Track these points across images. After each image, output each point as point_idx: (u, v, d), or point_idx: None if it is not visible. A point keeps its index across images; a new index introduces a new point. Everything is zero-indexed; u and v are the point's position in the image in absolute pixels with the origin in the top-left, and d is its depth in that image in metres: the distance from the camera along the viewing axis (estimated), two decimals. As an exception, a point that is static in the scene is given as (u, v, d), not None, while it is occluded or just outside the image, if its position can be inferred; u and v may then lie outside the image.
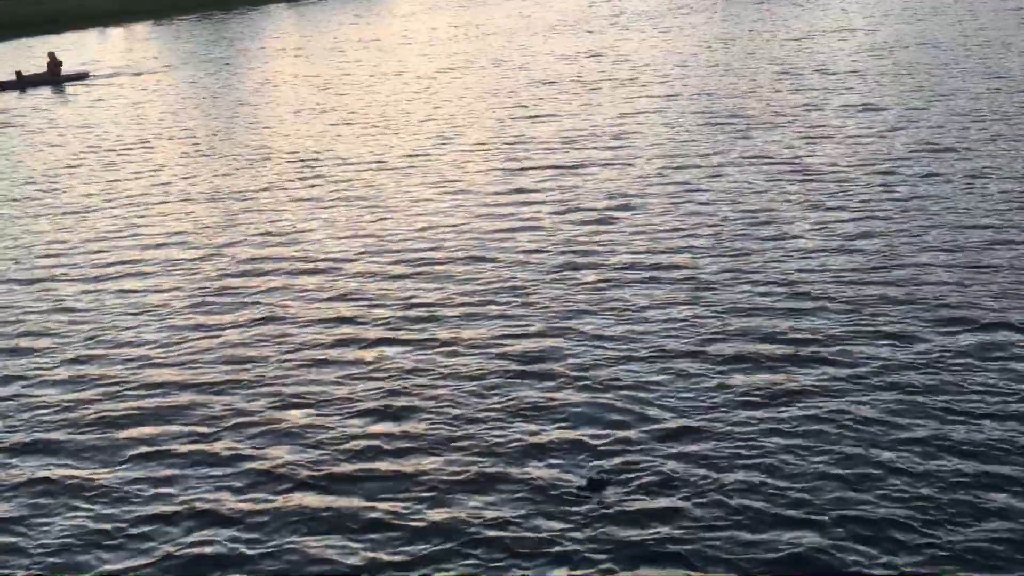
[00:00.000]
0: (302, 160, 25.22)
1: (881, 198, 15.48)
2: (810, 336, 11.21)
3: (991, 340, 10.57)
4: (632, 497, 8.57)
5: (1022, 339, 10.47)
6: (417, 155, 23.85)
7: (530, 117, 26.36)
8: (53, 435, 11.23)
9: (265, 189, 22.60)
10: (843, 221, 14.97)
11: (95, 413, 11.78)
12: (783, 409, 9.76)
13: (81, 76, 50.71)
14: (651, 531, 8.10)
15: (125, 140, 31.76)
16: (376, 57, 45.02)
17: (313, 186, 22.31)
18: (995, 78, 23.58)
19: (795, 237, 14.34)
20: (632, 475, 8.92)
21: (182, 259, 17.77)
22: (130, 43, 70.71)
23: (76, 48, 69.50)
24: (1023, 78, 23.38)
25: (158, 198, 23.08)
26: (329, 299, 14.86)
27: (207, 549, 8.64)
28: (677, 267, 13.95)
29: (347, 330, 13.50)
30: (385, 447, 10.23)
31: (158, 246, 18.90)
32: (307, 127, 29.57)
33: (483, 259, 15.56)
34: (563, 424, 10.05)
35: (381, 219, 18.94)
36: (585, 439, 9.64)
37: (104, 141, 32.16)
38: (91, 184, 25.67)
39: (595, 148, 21.80)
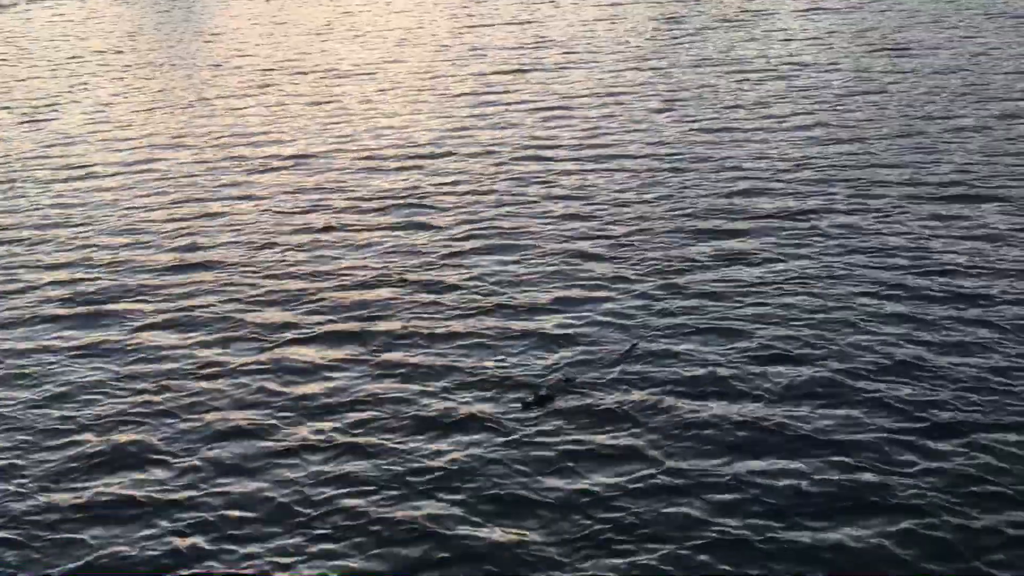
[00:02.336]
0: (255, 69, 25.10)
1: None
2: (746, 247, 11.65)
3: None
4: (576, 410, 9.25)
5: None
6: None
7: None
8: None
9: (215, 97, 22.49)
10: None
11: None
12: (730, 338, 10.25)
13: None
14: (590, 443, 8.74)
15: (80, 53, 31.19)
16: None
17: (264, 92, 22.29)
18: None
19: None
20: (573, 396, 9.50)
21: (142, 159, 17.71)
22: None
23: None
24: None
25: (116, 105, 22.86)
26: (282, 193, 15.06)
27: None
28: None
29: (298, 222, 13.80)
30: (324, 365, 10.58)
31: (117, 149, 18.86)
32: (262, 38, 29.38)
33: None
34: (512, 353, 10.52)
35: (339, 121, 19.08)
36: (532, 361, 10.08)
37: (58, 53, 31.54)
38: (45, 95, 25.26)
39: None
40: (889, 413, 9.42)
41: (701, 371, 10.27)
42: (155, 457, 9.43)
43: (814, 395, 9.78)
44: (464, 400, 9.98)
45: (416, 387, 10.33)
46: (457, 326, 11.60)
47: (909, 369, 10.16)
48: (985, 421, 9.21)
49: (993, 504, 8.12)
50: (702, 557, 7.67)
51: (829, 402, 9.67)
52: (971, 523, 7.90)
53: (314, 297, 12.81)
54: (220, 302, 12.77)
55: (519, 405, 9.60)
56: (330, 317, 12.19)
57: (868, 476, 8.52)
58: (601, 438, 9.23)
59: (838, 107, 20.32)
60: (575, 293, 12.37)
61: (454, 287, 12.76)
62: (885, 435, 9.06)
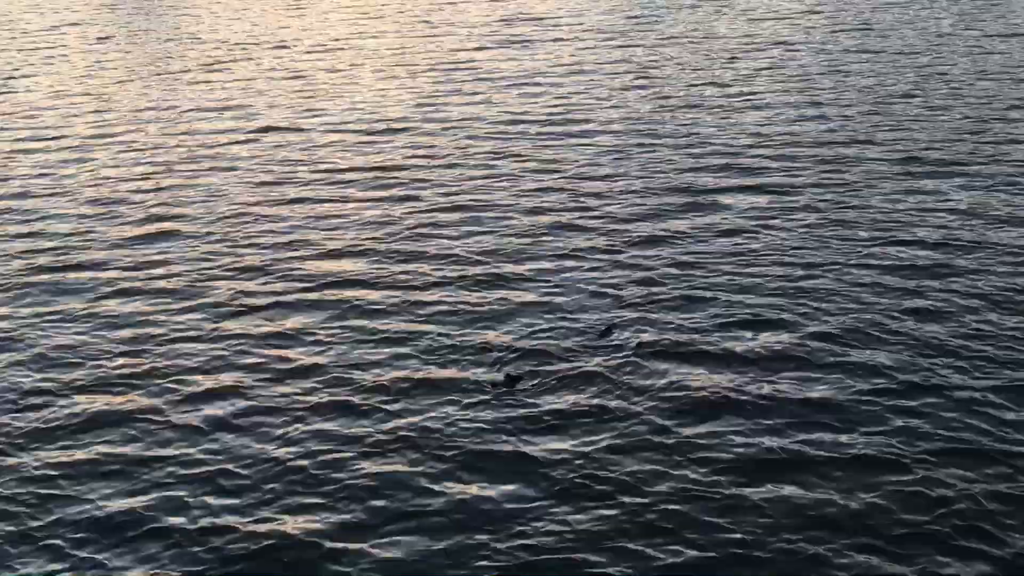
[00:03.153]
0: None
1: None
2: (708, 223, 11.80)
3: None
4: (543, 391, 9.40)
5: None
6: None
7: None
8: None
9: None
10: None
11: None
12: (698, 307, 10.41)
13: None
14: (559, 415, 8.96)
15: (55, 23, 30.90)
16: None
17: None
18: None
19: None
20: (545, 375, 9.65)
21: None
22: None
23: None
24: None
25: (86, 77, 22.69)
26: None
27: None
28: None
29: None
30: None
31: (87, 120, 18.75)
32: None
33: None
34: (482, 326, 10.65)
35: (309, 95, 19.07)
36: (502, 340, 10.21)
37: (29, 25, 31.21)
38: (16, 64, 25.02)
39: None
40: (856, 374, 9.60)
41: (675, 337, 10.40)
42: (136, 418, 9.46)
43: (786, 359, 9.94)
44: (436, 366, 10.05)
45: (388, 352, 10.39)
46: (430, 296, 11.67)
47: (876, 333, 10.36)
48: (952, 382, 9.42)
49: (967, 460, 8.30)
50: (672, 509, 7.80)
51: (799, 365, 9.83)
52: (946, 478, 8.07)
53: (286, 266, 12.84)
54: (189, 271, 12.76)
55: (488, 387, 9.60)
56: (303, 285, 12.22)
57: (831, 436, 8.69)
58: (571, 400, 9.34)
59: (808, 84, 20.52)
60: (547, 264, 12.47)
61: (427, 257, 12.83)
62: (855, 396, 9.23)
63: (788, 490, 7.98)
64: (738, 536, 7.49)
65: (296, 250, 13.28)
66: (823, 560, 7.23)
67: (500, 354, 10.21)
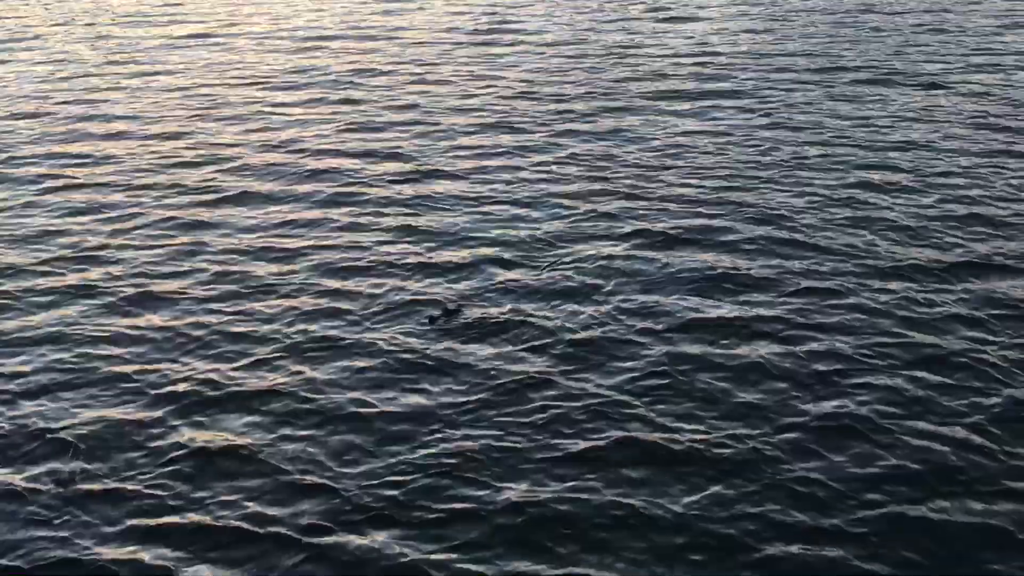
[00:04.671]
0: None
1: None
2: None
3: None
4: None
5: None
6: None
7: None
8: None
9: None
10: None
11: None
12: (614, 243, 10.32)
13: None
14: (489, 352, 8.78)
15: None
16: None
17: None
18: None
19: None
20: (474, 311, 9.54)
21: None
22: None
23: None
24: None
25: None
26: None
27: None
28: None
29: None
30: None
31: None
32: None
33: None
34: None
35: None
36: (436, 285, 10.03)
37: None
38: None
39: None
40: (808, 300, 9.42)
41: (605, 282, 9.96)
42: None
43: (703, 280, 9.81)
44: (372, 321, 9.54)
45: (325, 308, 9.88)
46: (367, 255, 11.05)
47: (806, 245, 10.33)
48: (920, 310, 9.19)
49: (933, 418, 7.79)
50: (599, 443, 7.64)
51: (723, 288, 9.67)
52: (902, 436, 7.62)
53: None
54: (92, 235, 11.87)
55: (426, 320, 9.29)
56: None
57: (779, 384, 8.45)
58: (494, 348, 8.96)
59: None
60: (484, 220, 11.63)
61: (364, 213, 12.06)
62: (803, 328, 8.98)
63: (739, 440, 7.91)
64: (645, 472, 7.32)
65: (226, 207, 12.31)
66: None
67: (438, 281, 10.04)
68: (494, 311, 9.50)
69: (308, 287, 9.95)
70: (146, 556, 6.58)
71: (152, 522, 6.84)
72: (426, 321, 9.32)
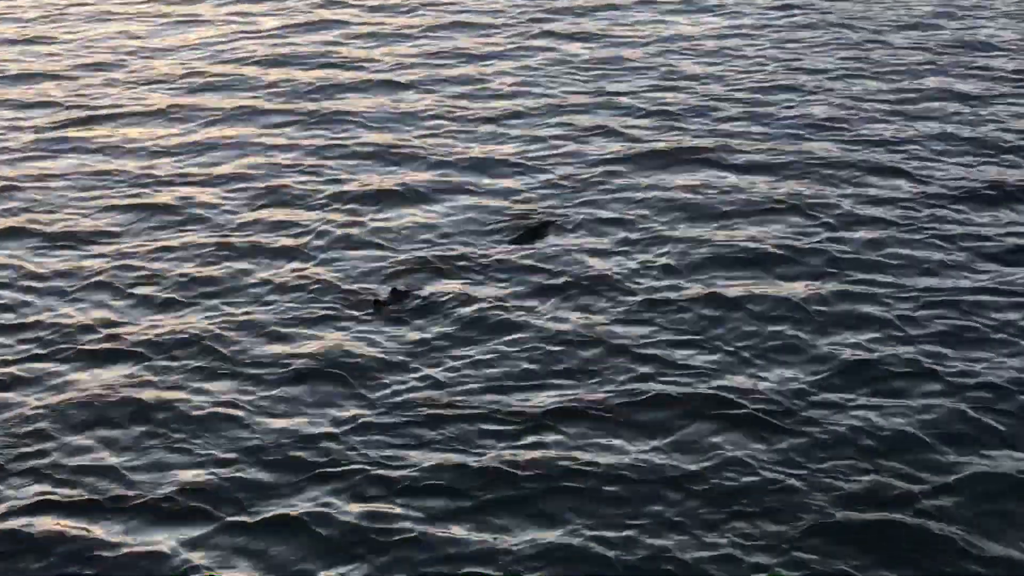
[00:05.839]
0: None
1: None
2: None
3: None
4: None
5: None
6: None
7: None
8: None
9: None
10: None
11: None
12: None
13: None
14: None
15: None
16: None
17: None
18: None
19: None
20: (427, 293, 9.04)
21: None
22: None
23: None
24: None
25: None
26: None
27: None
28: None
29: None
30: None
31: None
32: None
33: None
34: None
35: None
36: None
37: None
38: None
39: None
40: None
41: (568, 258, 9.70)
42: None
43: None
44: (318, 303, 9.10)
45: (273, 293, 9.41)
46: (313, 239, 10.43)
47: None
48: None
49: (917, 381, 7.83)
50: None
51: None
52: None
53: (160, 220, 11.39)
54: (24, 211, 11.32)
55: (372, 302, 8.82)
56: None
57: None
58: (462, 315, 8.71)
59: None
60: (432, 193, 11.25)
61: (301, 196, 11.44)
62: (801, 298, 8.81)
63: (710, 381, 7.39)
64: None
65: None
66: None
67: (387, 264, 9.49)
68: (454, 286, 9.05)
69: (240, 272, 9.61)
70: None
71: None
72: (374, 305, 8.82)
